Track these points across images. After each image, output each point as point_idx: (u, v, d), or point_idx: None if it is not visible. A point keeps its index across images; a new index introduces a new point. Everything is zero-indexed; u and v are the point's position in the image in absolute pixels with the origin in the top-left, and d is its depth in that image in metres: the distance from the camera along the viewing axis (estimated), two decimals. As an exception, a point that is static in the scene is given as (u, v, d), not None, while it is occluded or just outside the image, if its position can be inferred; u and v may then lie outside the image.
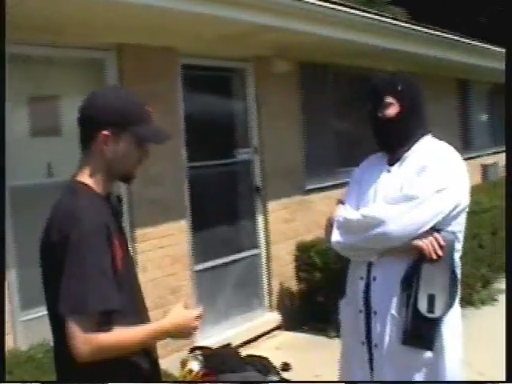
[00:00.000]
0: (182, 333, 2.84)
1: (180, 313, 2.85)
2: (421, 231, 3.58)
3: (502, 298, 9.13)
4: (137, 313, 2.90)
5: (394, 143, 3.84)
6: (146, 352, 2.91)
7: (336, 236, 3.86)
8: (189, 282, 7.25)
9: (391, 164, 3.87)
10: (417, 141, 3.82)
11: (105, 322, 2.63)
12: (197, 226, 7.49)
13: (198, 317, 2.87)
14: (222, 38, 7.21)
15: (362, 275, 3.80)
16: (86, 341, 2.59)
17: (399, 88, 3.78)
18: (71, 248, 2.59)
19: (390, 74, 3.97)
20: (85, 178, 2.80)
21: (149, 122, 2.85)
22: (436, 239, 3.58)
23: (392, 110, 3.77)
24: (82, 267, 2.59)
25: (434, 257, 3.57)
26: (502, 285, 9.69)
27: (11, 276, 5.52)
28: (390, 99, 3.77)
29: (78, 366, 2.65)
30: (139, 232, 6.59)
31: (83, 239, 2.60)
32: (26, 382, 4.15)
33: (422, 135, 3.86)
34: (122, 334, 2.68)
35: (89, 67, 6.48)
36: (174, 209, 7.08)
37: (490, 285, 9.66)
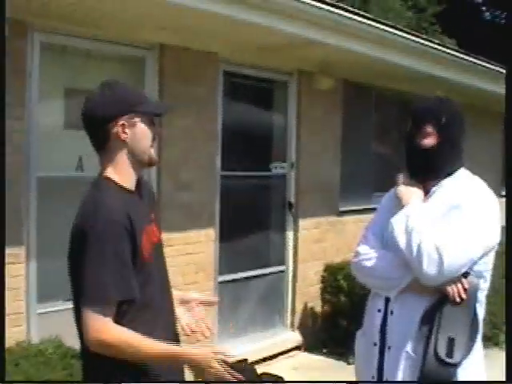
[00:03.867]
0: (198, 368, 2.77)
1: (201, 349, 2.78)
2: (457, 275, 3.42)
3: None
4: (163, 306, 2.94)
5: (425, 174, 3.65)
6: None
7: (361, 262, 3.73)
8: (211, 292, 7.12)
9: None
10: (450, 174, 3.64)
11: (125, 312, 2.69)
12: (225, 236, 7.38)
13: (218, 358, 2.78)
14: (266, 48, 7.13)
15: (380, 308, 3.65)
16: (98, 331, 2.63)
17: (443, 120, 3.59)
18: (91, 239, 2.65)
19: (435, 99, 3.72)
20: (109, 173, 2.87)
21: (149, 101, 3.01)
22: (461, 282, 3.43)
23: (430, 141, 3.58)
24: (101, 258, 2.64)
25: (458, 300, 3.42)
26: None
27: (31, 267, 5.46)
28: (430, 128, 3.58)
29: (103, 359, 2.70)
30: (165, 236, 6.46)
31: (103, 231, 2.66)
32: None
33: (456, 169, 3.68)
34: (137, 340, 2.68)
35: (128, 64, 6.43)
36: (202, 216, 6.98)
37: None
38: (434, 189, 3.62)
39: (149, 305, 2.79)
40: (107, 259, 2.65)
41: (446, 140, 3.59)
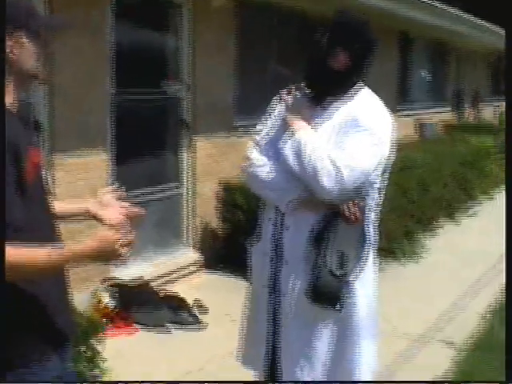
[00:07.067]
0: (105, 251, 2.67)
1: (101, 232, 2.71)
2: (354, 186, 3.51)
3: (425, 255, 9.20)
4: (48, 228, 2.81)
5: (328, 93, 3.70)
6: (57, 280, 2.83)
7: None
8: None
9: (317, 105, 3.73)
10: (351, 91, 3.69)
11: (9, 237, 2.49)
12: (119, 158, 7.29)
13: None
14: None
15: (271, 217, 3.71)
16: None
17: (358, 47, 3.62)
18: None
19: (355, 22, 3.70)
20: None
21: (38, 14, 2.80)
22: (356, 202, 3.53)
23: (341, 63, 3.63)
24: None
25: (353, 219, 3.51)
26: (427, 241, 9.77)
27: None
28: (344, 52, 3.61)
29: None
30: (59, 161, 6.39)
31: None
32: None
33: (359, 86, 3.73)
34: (33, 251, 2.54)
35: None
36: (95, 139, 6.89)
37: (413, 238, 9.66)
38: (332, 104, 3.68)
39: (34, 228, 2.63)
40: None
41: (356, 65, 3.65)
